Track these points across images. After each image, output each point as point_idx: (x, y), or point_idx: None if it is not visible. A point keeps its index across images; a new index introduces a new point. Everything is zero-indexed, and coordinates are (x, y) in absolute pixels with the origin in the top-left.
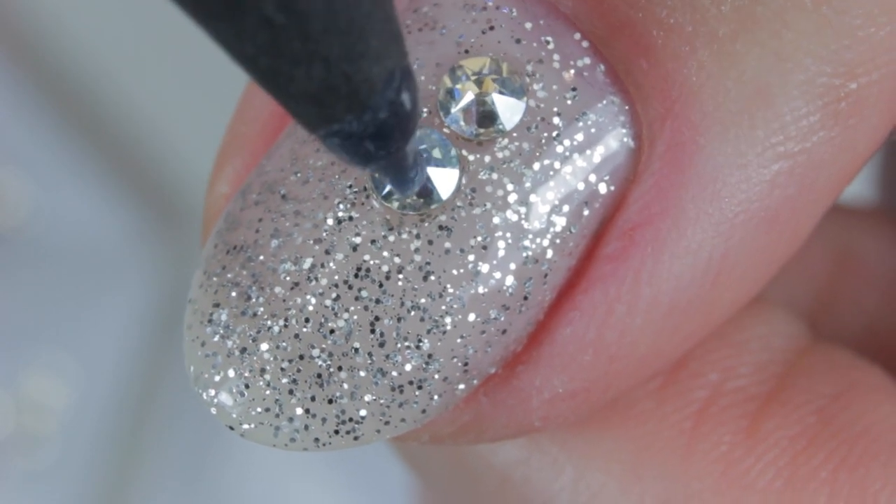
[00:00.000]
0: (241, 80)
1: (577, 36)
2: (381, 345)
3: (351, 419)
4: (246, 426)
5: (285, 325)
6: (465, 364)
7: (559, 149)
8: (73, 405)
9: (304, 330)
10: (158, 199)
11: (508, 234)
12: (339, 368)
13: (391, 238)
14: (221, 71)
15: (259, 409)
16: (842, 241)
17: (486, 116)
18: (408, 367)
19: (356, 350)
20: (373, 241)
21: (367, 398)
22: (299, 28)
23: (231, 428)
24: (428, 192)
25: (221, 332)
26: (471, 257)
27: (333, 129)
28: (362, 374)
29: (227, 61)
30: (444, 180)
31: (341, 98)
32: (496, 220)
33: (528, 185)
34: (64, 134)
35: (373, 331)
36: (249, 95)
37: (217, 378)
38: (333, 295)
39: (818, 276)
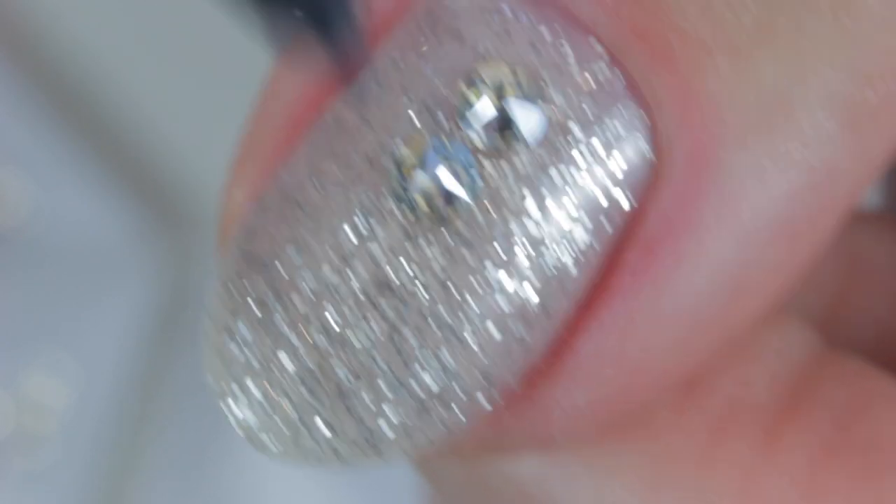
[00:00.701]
0: (242, 80)
1: (595, 43)
2: (403, 359)
3: (373, 434)
4: (266, 441)
5: (306, 338)
6: (487, 377)
7: (577, 158)
8: (73, 405)
9: (325, 343)
10: (159, 200)
11: (528, 246)
12: (361, 382)
13: (412, 249)
14: (222, 71)
15: (280, 425)
16: (852, 247)
17: (504, 125)
18: (429, 382)
19: (378, 363)
20: (393, 254)
21: (390, 412)
22: None
23: (251, 442)
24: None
25: (241, 345)
26: (491, 269)
27: None
28: (384, 387)
29: (227, 61)
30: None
31: None
32: (516, 231)
33: (546, 195)
34: (64, 134)
35: (394, 344)
36: (266, 100)
37: (237, 391)
38: (354, 307)
39: (828, 282)
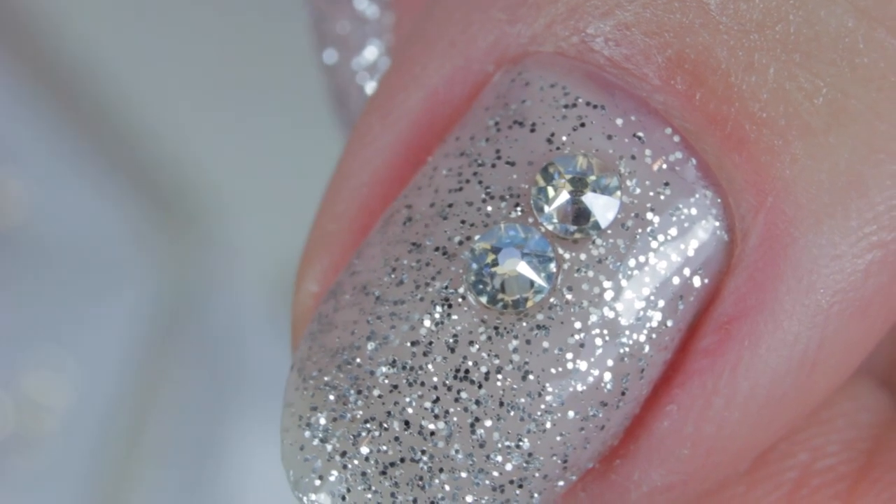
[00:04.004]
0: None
1: (669, 131)
2: (482, 445)
3: None
4: None
5: (385, 428)
6: (565, 461)
7: (653, 244)
8: (73, 405)
9: (405, 432)
10: (159, 200)
11: (605, 331)
12: (441, 470)
13: (489, 338)
14: (223, 71)
15: None
16: None
17: (581, 215)
18: (508, 467)
19: (457, 451)
20: (471, 343)
21: (469, 499)
22: None
23: None
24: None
25: (321, 435)
26: (569, 356)
27: None
28: (463, 475)
29: (228, 62)
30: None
31: None
32: (593, 317)
33: (623, 281)
34: (64, 134)
35: (473, 432)
36: (335, 189)
37: (318, 483)
38: (433, 397)
39: (894, 337)
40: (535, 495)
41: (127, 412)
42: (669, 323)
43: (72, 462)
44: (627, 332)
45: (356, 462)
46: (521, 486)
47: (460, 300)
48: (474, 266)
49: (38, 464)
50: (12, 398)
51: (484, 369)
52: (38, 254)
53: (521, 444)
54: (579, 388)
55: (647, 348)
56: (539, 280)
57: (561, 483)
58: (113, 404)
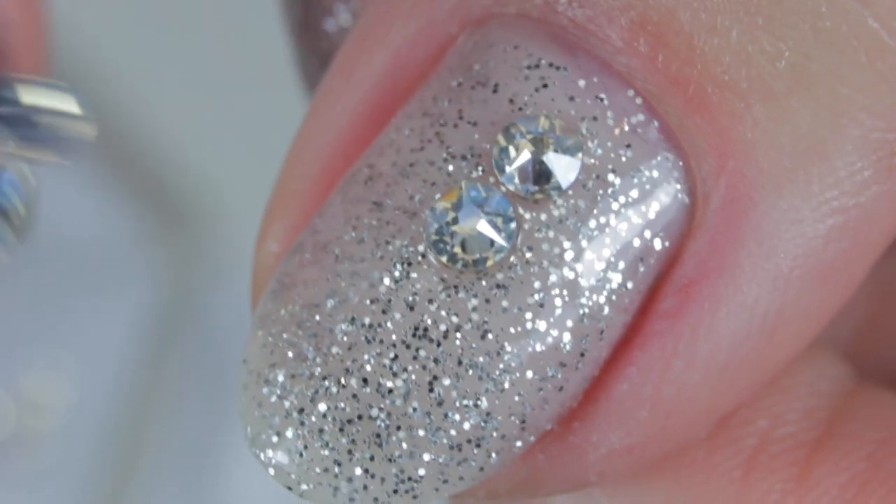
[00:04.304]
0: (243, 79)
1: (631, 93)
2: (440, 404)
3: (410, 478)
4: (304, 486)
5: (343, 386)
6: (523, 421)
7: (614, 205)
8: (73, 405)
9: (363, 390)
10: (159, 200)
11: (565, 292)
12: (398, 428)
13: (448, 297)
14: (224, 71)
15: (317, 470)
16: (882, 275)
17: (542, 175)
18: (466, 426)
19: (414, 409)
20: (430, 301)
21: (426, 457)
22: None
23: (289, 488)
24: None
25: (278, 392)
26: (528, 315)
27: None
28: (421, 433)
29: (229, 62)
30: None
31: None
32: (553, 277)
33: (583, 242)
34: None
35: (431, 390)
36: (297, 149)
37: (275, 439)
38: (391, 354)
39: (859, 309)
40: (493, 455)
41: (127, 412)
42: (630, 285)
43: (72, 462)
44: (587, 293)
45: (313, 419)
46: (478, 446)
47: (420, 259)
48: (434, 225)
49: (38, 464)
50: (12, 398)
51: (443, 328)
52: (38, 254)
53: (479, 403)
54: (538, 348)
55: (606, 309)
56: (499, 239)
57: (519, 444)
58: (113, 404)
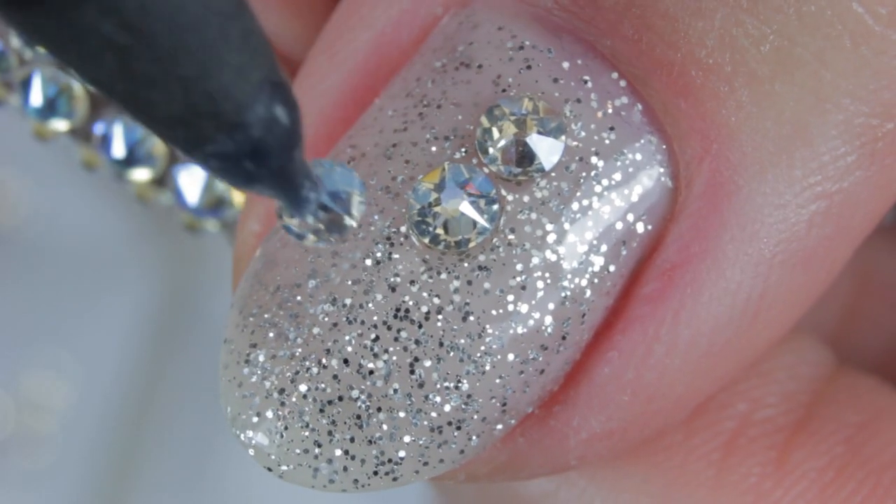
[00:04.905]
0: None
1: (615, 75)
2: (421, 385)
3: (390, 460)
4: (284, 467)
5: (324, 366)
6: (504, 404)
7: (597, 188)
8: (73, 405)
9: (343, 371)
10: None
11: (547, 274)
12: (379, 409)
13: (430, 278)
14: None
15: (297, 451)
16: (863, 262)
17: (525, 157)
18: (447, 408)
19: (395, 391)
20: (412, 282)
21: (407, 439)
22: (147, 47)
23: (269, 469)
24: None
25: (259, 372)
26: (510, 297)
27: (208, 151)
28: (401, 414)
29: None
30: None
31: (208, 117)
32: (535, 259)
33: (566, 224)
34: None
35: (412, 372)
36: None
37: (255, 419)
38: (372, 335)
39: (840, 295)
40: (474, 437)
41: (126, 412)
42: (612, 268)
43: (72, 462)
44: (569, 276)
45: (294, 400)
46: (459, 428)
47: (402, 239)
48: (417, 206)
49: (38, 464)
50: (12, 398)
51: (424, 309)
52: (38, 254)
53: (460, 385)
54: (520, 330)
55: (588, 293)
56: (482, 221)
57: (500, 427)
58: (113, 404)
